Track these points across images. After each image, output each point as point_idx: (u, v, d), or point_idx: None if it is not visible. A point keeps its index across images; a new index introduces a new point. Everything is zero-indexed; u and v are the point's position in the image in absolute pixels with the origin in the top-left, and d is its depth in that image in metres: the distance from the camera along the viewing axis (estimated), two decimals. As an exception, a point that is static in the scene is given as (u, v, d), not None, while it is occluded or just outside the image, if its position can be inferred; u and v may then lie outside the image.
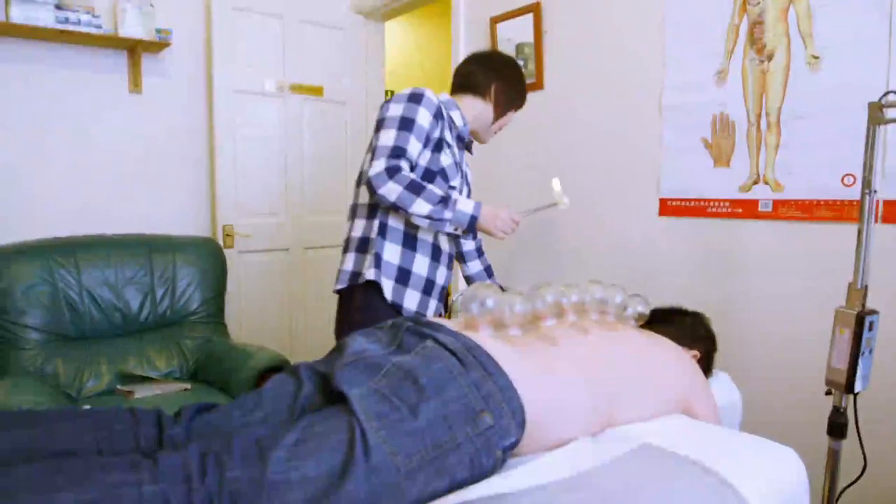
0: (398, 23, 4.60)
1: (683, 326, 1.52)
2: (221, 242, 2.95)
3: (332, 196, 3.36)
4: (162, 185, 2.94)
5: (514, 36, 2.57)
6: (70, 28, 2.53)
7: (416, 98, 1.61)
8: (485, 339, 1.10)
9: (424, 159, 1.64)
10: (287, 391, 1.06)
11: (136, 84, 2.82)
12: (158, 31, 2.74)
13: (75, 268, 2.42)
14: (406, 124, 1.58)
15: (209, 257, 2.71)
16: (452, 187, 1.69)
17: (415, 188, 1.53)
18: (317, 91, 3.23)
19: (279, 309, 3.22)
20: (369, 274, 1.63)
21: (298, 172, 3.22)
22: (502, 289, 2.08)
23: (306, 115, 3.22)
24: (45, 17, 2.48)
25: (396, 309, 1.66)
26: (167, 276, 2.60)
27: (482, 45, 1.92)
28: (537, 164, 2.56)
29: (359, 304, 1.66)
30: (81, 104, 2.73)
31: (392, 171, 1.53)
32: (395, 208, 1.56)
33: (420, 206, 1.53)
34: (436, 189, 1.57)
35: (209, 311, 2.67)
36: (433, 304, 1.75)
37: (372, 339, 1.13)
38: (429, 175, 1.64)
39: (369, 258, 1.65)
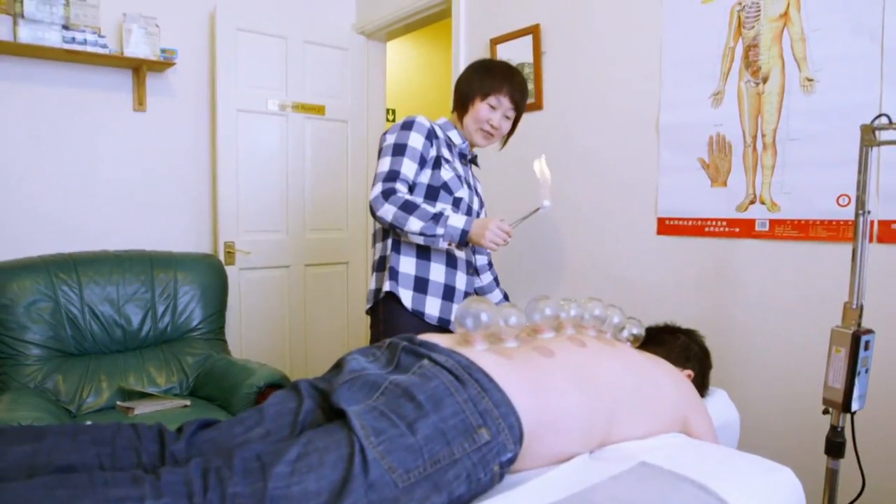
0: (400, 43, 4.66)
1: (675, 346, 1.52)
2: (223, 259, 2.96)
3: (333, 213, 3.38)
4: (164, 202, 2.96)
5: (513, 56, 2.61)
6: (76, 48, 2.57)
7: (407, 125, 1.73)
8: (480, 355, 1.10)
9: (426, 177, 1.74)
10: (288, 407, 1.07)
11: (140, 103, 2.85)
12: (163, 50, 2.78)
13: (77, 284, 2.44)
14: (399, 150, 1.70)
15: (210, 274, 2.72)
16: (459, 198, 1.77)
17: (407, 207, 1.62)
18: (319, 110, 3.27)
19: (280, 325, 3.22)
20: (386, 286, 1.73)
21: (300, 190, 3.24)
22: (507, 297, 2.09)
23: (308, 133, 3.25)
24: (52, 38, 2.52)
25: (419, 316, 1.74)
26: (168, 292, 2.61)
27: (482, 66, 1.94)
28: (532, 183, 2.58)
29: (382, 316, 1.75)
30: (86, 122, 2.76)
31: (387, 193, 1.64)
32: (393, 228, 1.66)
33: (413, 224, 1.62)
34: (428, 207, 1.65)
35: (210, 327, 2.68)
36: (456, 308, 1.79)
37: (370, 358, 1.14)
38: (431, 191, 1.73)
39: (386, 273, 1.75)
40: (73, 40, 2.56)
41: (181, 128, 2.99)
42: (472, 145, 1.88)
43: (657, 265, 2.16)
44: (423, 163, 1.72)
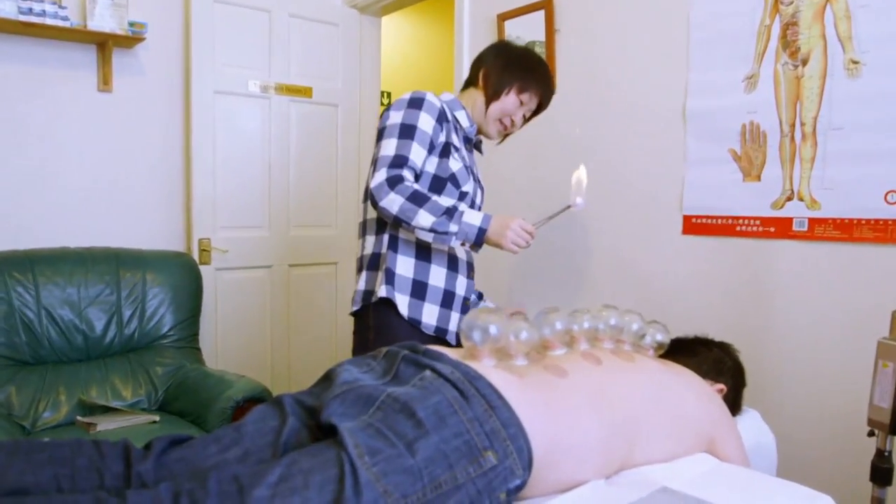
0: (396, 18, 4.65)
1: (708, 358, 1.52)
2: (197, 258, 2.96)
3: (321, 208, 3.38)
4: (132, 194, 2.95)
5: (523, 34, 2.61)
6: (34, 20, 2.56)
7: (416, 103, 1.68)
8: (487, 369, 1.10)
9: (432, 165, 1.71)
10: (269, 426, 1.07)
11: (105, 82, 2.85)
12: (131, 24, 2.77)
13: (33, 284, 2.43)
14: (407, 131, 1.65)
15: (183, 274, 2.72)
16: (465, 193, 1.75)
17: (417, 199, 1.58)
18: (305, 92, 3.27)
19: (260, 333, 3.22)
20: (381, 291, 1.69)
21: (284, 181, 3.24)
22: (481, 297, 2.04)
23: (294, 118, 3.25)
24: (6, 8, 2.51)
25: (414, 325, 1.71)
26: (136, 294, 2.61)
27: (487, 43, 1.94)
28: (545, 176, 2.58)
29: (373, 323, 1.73)
30: (46, 104, 2.76)
31: (393, 182, 1.59)
32: (397, 222, 1.62)
33: (423, 219, 1.58)
34: (441, 200, 1.63)
35: (182, 334, 2.68)
36: (455, 316, 1.79)
37: (364, 368, 1.13)
38: (438, 182, 1.71)
39: (381, 274, 1.72)
40: (31, 11, 2.56)
41: (152, 111, 2.98)
42: (479, 131, 1.86)
43: (682, 269, 2.15)
44: (431, 149, 1.69)
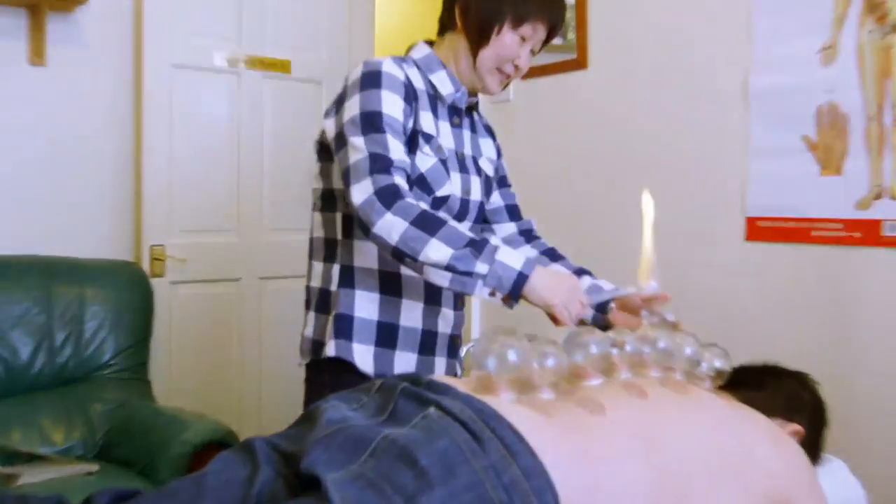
0: (392, -23, 4.68)
1: (779, 392, 1.51)
2: (148, 269, 2.96)
3: (301, 207, 3.35)
4: (69, 190, 2.96)
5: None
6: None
7: (371, 79, 1.54)
8: (506, 405, 1.09)
9: None
10: (237, 477, 1.06)
11: (38, 54, 2.86)
12: (71, -17, 2.80)
13: (-53, 301, 2.44)
14: (370, 122, 1.50)
15: (130, 289, 2.72)
16: (441, 198, 1.60)
17: (427, 223, 1.41)
18: (283, 66, 3.28)
19: (225, 361, 3.22)
20: (331, 349, 1.59)
21: (256, 175, 3.26)
22: (585, 272, 1.85)
23: (268, 97, 3.27)
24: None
25: None
26: (71, 314, 2.61)
27: None
28: (574, 171, 2.57)
29: (330, 383, 1.59)
30: (-38, 79, 2.78)
31: (388, 195, 1.43)
32: (397, 256, 1.44)
33: (436, 252, 1.39)
34: (460, 226, 1.46)
35: (127, 363, 2.68)
36: (440, 362, 1.70)
37: (355, 404, 1.13)
38: None
39: (331, 323, 1.62)
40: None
41: (95, 88, 2.99)
42: (471, 91, 1.69)
43: (746, 281, 2.15)
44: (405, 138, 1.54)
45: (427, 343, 1.66)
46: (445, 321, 1.70)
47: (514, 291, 1.41)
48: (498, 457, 0.99)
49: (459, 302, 1.75)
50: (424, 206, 1.45)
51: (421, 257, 1.40)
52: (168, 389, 3.01)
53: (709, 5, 2.22)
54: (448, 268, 1.39)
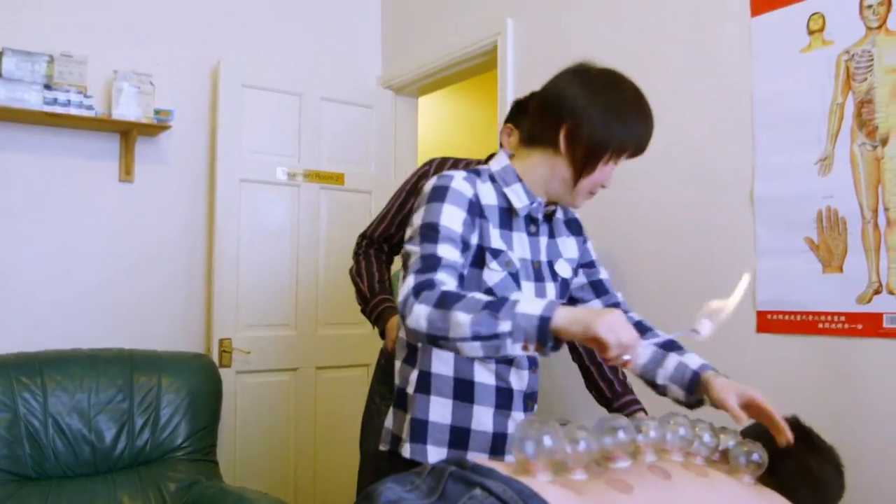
0: (433, 98, 4.81)
1: (807, 479, 1.46)
2: (217, 360, 3.03)
3: (352, 305, 3.42)
4: (150, 289, 3.07)
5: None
6: (58, 110, 2.77)
7: (438, 194, 1.48)
8: (544, 485, 1.11)
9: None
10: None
11: (127, 172, 3.02)
12: (157, 112, 2.97)
13: (41, 390, 2.51)
14: (428, 234, 1.44)
15: (201, 378, 2.78)
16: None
17: (446, 300, 1.31)
18: (337, 179, 3.41)
19: (283, 444, 3.24)
20: (406, 450, 1.56)
21: (312, 276, 3.34)
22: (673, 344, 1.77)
23: (324, 206, 3.38)
24: (32, 99, 2.73)
25: None
26: (150, 401, 2.67)
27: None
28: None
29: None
30: (66, 196, 2.93)
31: (420, 289, 1.35)
32: (433, 342, 1.34)
33: (459, 326, 1.27)
34: (478, 294, 1.34)
35: (198, 445, 2.71)
36: (510, 459, 1.59)
37: (408, 486, 1.15)
38: None
39: (407, 423, 1.58)
40: (56, 101, 2.77)
41: (173, 201, 3.14)
42: (550, 202, 1.59)
43: (758, 371, 2.14)
44: (466, 248, 1.47)
45: (498, 445, 1.59)
46: (515, 422, 1.61)
47: (542, 338, 1.25)
48: (537, 533, 1.01)
49: (530, 401, 1.65)
50: (446, 287, 1.35)
51: (450, 335, 1.29)
52: (232, 468, 3.05)
53: (714, 121, 2.27)
54: (475, 337, 1.27)
